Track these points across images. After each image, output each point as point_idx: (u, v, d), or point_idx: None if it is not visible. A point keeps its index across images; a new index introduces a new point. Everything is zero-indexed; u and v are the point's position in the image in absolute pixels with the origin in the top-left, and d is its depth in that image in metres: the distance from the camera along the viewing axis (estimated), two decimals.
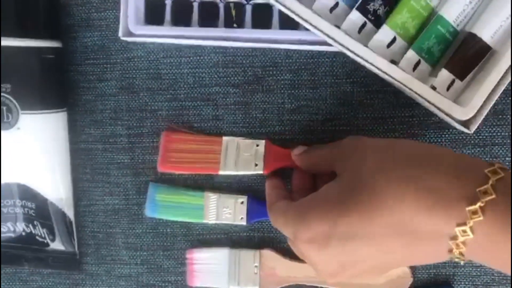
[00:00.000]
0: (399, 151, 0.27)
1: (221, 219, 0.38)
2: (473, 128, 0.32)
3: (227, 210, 0.38)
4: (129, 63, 0.38)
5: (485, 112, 0.32)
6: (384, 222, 0.25)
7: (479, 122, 0.32)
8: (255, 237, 0.39)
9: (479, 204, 0.23)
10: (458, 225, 0.23)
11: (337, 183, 0.28)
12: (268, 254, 0.38)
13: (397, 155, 0.27)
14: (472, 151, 0.36)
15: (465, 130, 0.33)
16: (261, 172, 0.37)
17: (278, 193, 0.33)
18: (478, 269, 0.37)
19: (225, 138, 0.37)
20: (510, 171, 0.24)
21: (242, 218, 0.38)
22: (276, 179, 0.35)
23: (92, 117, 0.39)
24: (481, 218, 0.23)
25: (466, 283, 0.37)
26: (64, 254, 0.39)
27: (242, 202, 0.38)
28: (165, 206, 0.38)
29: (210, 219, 0.38)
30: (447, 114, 0.32)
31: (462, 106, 0.32)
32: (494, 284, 0.37)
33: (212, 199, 0.38)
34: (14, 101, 0.36)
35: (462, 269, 0.37)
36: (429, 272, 0.37)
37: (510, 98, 0.35)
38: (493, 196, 0.23)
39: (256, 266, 0.37)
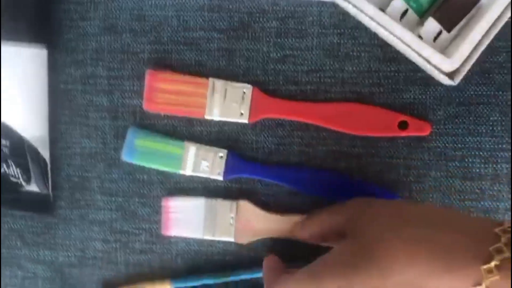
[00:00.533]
0: (408, 212, 0.28)
1: (198, 171, 0.37)
2: (458, 79, 0.32)
3: (205, 163, 0.37)
4: (113, 3, 0.37)
5: (470, 63, 0.32)
6: (397, 281, 0.25)
7: (464, 73, 0.32)
8: (233, 188, 0.38)
9: (494, 262, 0.23)
10: (474, 285, 0.23)
11: (349, 245, 0.28)
12: (245, 206, 0.37)
13: (407, 215, 0.27)
14: (457, 109, 0.36)
15: (450, 82, 0.32)
16: (246, 121, 0.37)
17: (277, 271, 0.33)
18: None
19: (211, 80, 0.36)
20: None
21: (219, 173, 0.37)
22: (273, 259, 0.35)
23: (72, 57, 0.38)
24: (497, 277, 0.23)
25: None
26: (37, 196, 0.39)
27: (221, 157, 0.37)
28: (143, 152, 0.37)
29: (187, 170, 0.37)
30: (432, 65, 0.32)
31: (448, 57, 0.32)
32: None
33: (191, 149, 0.37)
34: None
35: None
36: None
37: (498, 59, 0.35)
38: (507, 254, 0.23)
39: (232, 217, 0.37)
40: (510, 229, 0.24)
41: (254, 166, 0.37)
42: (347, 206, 0.31)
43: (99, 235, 0.39)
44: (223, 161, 0.37)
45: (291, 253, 0.36)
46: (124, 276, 0.39)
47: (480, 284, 0.23)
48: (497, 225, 0.25)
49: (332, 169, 0.37)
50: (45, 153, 0.38)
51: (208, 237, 0.37)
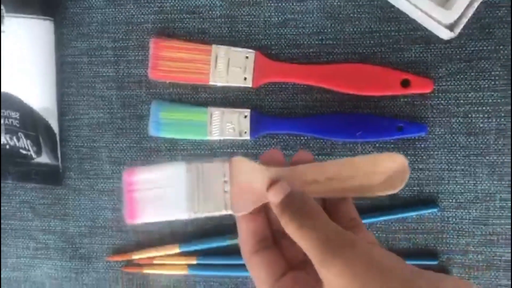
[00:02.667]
0: None
1: (225, 134, 0.37)
2: (457, 30, 0.32)
3: (231, 125, 0.37)
4: None
5: (468, 15, 0.32)
6: None
7: (463, 24, 0.32)
8: (248, 141, 0.38)
9: None
10: None
11: None
12: (240, 163, 0.27)
13: None
14: (458, 66, 0.36)
15: (450, 34, 0.33)
16: (250, 85, 0.37)
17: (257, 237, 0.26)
18: (462, 186, 0.37)
19: (214, 47, 0.37)
20: None
21: (245, 132, 0.37)
22: (253, 222, 0.26)
23: (79, 30, 0.39)
24: None
25: (450, 200, 0.37)
26: (47, 167, 0.39)
27: (245, 116, 0.38)
28: (169, 124, 0.38)
29: (214, 135, 0.37)
30: (431, 18, 0.32)
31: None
32: (478, 201, 0.37)
33: (215, 114, 0.37)
34: None
35: (446, 186, 0.37)
36: (413, 190, 0.37)
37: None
38: None
39: (225, 182, 0.27)
40: None
41: (280, 120, 0.37)
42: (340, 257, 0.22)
43: (108, 204, 0.40)
44: (248, 120, 0.38)
45: None
46: (134, 244, 0.39)
47: None
48: None
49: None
50: (54, 125, 0.39)
51: (195, 215, 0.27)
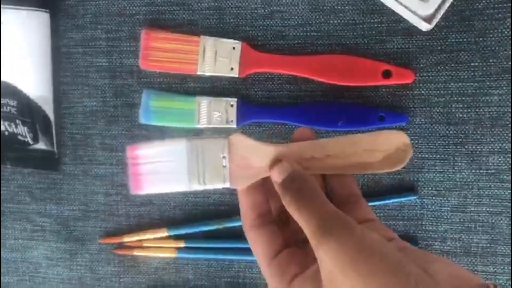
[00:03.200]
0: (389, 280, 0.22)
1: (213, 122, 0.39)
2: (434, 22, 0.33)
3: (218, 114, 0.39)
4: None
5: (445, 7, 0.33)
6: None
7: (440, 16, 0.33)
8: (234, 130, 0.39)
9: None
10: None
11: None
12: (239, 139, 0.28)
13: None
14: (439, 57, 0.37)
15: (427, 26, 0.34)
16: (236, 75, 0.38)
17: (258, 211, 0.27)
18: (442, 175, 0.38)
19: (202, 37, 0.38)
20: None
21: (232, 121, 0.39)
22: (252, 196, 0.28)
23: (73, 22, 0.41)
24: None
25: (430, 188, 0.38)
26: (44, 153, 0.41)
27: (232, 105, 0.39)
28: (159, 112, 0.39)
29: (202, 123, 0.39)
30: (409, 10, 0.33)
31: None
32: (456, 189, 0.38)
33: (203, 103, 0.39)
34: None
35: (426, 174, 0.38)
36: (393, 178, 0.38)
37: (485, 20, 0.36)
38: None
39: (224, 157, 0.28)
40: None
41: (265, 109, 0.39)
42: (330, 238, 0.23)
43: (101, 189, 0.41)
44: (234, 109, 0.39)
45: None
46: (125, 227, 0.41)
47: None
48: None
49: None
50: (50, 113, 0.41)
51: (196, 187, 0.28)
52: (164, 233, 0.40)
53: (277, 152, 0.28)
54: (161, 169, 0.28)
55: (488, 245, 0.38)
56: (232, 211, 0.40)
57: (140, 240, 0.40)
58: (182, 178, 0.28)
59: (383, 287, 0.21)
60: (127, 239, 0.40)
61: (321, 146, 0.28)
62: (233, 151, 0.29)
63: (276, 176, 0.26)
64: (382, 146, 0.29)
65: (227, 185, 0.29)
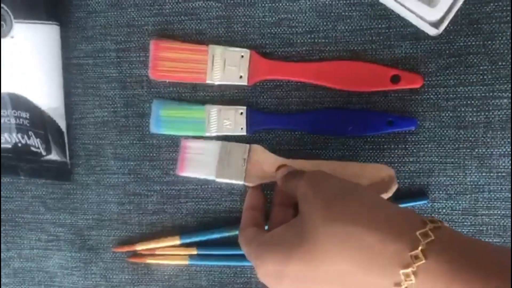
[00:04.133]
0: (348, 205, 0.28)
1: (222, 130, 0.39)
2: (442, 28, 0.33)
3: (228, 122, 0.39)
4: None
5: (453, 12, 0.33)
6: (327, 270, 0.26)
7: (448, 21, 0.33)
8: (245, 137, 0.40)
9: (411, 269, 0.24)
10: (395, 284, 0.24)
11: (293, 227, 0.30)
12: (257, 149, 0.38)
13: (344, 209, 0.27)
14: (447, 61, 0.37)
15: (435, 31, 0.34)
16: (245, 83, 0.39)
17: (253, 216, 0.35)
18: (452, 179, 0.38)
19: (211, 47, 0.39)
20: (443, 230, 0.25)
21: (242, 128, 0.39)
22: (255, 198, 0.36)
23: (83, 34, 0.41)
24: (413, 281, 0.24)
25: (440, 192, 0.38)
26: (56, 164, 0.42)
27: (241, 113, 0.39)
28: (169, 121, 0.40)
29: (212, 131, 0.39)
30: (417, 15, 0.33)
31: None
32: (467, 192, 0.38)
33: (212, 111, 0.39)
34: (7, 9, 0.38)
35: (436, 178, 0.38)
36: (404, 182, 0.38)
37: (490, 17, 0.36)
38: (423, 261, 0.24)
39: (244, 159, 0.38)
40: (431, 231, 0.24)
41: (274, 117, 0.39)
42: (307, 174, 0.32)
43: (114, 198, 0.42)
44: (244, 117, 0.39)
45: None
46: (138, 235, 0.42)
47: (400, 285, 0.24)
48: (421, 225, 0.25)
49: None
50: (62, 124, 0.41)
51: (220, 178, 0.38)
52: (176, 241, 0.40)
53: (283, 162, 0.38)
54: (199, 160, 0.39)
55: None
56: None
57: (153, 248, 0.41)
58: (212, 170, 0.39)
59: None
60: (140, 247, 0.41)
61: (317, 164, 0.37)
62: (252, 156, 0.39)
63: (280, 173, 0.36)
64: (369, 175, 0.36)
65: (241, 181, 0.38)
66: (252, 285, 0.41)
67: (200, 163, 0.39)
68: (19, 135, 0.41)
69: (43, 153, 0.41)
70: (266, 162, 0.38)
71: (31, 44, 0.39)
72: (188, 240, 0.40)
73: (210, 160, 0.39)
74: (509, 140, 0.37)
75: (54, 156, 0.42)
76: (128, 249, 0.42)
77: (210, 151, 0.39)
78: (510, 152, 0.37)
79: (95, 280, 0.43)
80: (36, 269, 0.44)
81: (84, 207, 0.42)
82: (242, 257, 0.40)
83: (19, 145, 0.41)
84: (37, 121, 0.41)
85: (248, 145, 0.39)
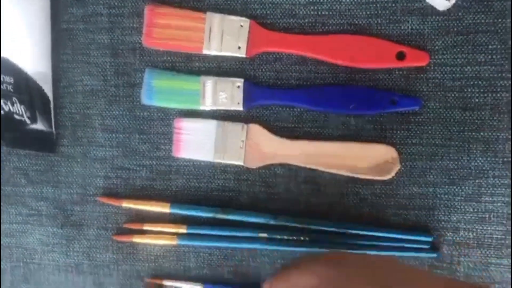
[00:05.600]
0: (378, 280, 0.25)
1: (218, 104, 0.37)
2: (453, 0, 0.32)
3: (224, 95, 0.37)
4: None
5: None
6: None
7: None
8: (241, 112, 0.38)
9: None
10: None
11: None
12: (255, 129, 0.37)
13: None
14: (455, 39, 0.35)
15: (446, 3, 0.32)
16: (244, 55, 0.37)
17: None
18: (456, 163, 0.36)
19: (209, 14, 0.37)
20: None
21: (238, 103, 0.37)
22: None
23: None
24: None
25: (443, 176, 0.36)
26: (41, 134, 0.40)
27: (238, 86, 0.37)
28: (162, 92, 0.38)
29: (207, 104, 0.37)
30: None
31: None
32: (471, 178, 0.36)
33: (208, 83, 0.37)
34: None
35: (439, 162, 0.36)
36: (405, 165, 0.37)
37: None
38: None
39: (242, 141, 0.37)
40: None
41: (273, 91, 0.37)
42: (319, 263, 0.28)
43: (100, 172, 0.40)
44: (241, 90, 0.37)
45: None
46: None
47: None
48: None
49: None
50: (48, 91, 0.39)
51: (218, 160, 0.37)
52: (166, 209, 0.38)
53: (283, 144, 0.37)
54: (196, 140, 0.38)
55: (503, 236, 0.36)
56: (236, 198, 0.38)
57: (140, 223, 0.39)
58: (210, 150, 0.37)
59: None
60: (126, 204, 0.39)
61: (320, 145, 0.37)
62: (250, 137, 0.37)
63: None
64: (372, 156, 0.36)
65: (241, 163, 0.37)
66: (242, 268, 0.39)
67: (197, 145, 0.37)
68: (2, 101, 0.39)
69: (28, 121, 0.39)
70: (266, 143, 0.37)
71: (19, 5, 0.37)
72: (178, 211, 0.38)
73: (207, 141, 0.37)
74: None
75: (39, 125, 0.39)
76: (113, 202, 0.39)
77: (205, 131, 0.37)
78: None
79: (77, 258, 0.41)
80: (15, 245, 0.41)
81: (69, 181, 0.40)
82: (233, 238, 0.39)
83: (2, 112, 0.39)
84: (22, 86, 0.38)
85: (245, 125, 0.37)
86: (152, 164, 0.39)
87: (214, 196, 0.39)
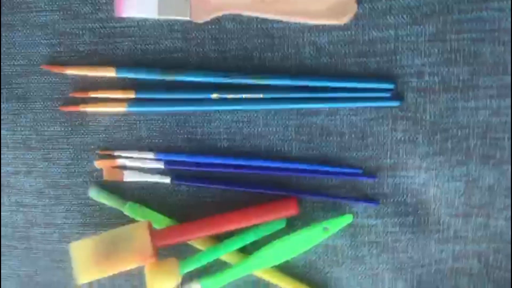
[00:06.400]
0: None
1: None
2: None
3: None
4: None
5: None
6: None
7: None
8: None
9: None
10: None
11: None
12: None
13: None
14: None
15: None
16: None
17: None
18: (417, 1, 0.33)
19: None
20: None
21: None
22: None
23: None
24: None
25: (404, 16, 0.33)
26: None
27: None
28: None
29: None
30: None
31: None
32: (435, 15, 0.33)
33: None
34: None
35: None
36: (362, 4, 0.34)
37: None
38: None
39: None
40: None
41: None
42: None
43: (42, 39, 0.37)
44: None
45: None
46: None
47: None
48: None
49: None
50: None
51: (163, 16, 0.35)
52: (112, 73, 0.36)
53: None
54: None
55: (469, 77, 0.34)
56: (185, 58, 0.36)
57: (86, 91, 0.36)
58: (153, 7, 0.35)
59: None
60: (70, 71, 0.36)
61: None
62: None
63: None
64: None
65: (187, 17, 0.35)
66: (197, 135, 0.37)
67: (140, 2, 0.35)
68: None
69: None
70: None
71: None
72: (124, 74, 0.36)
73: None
74: None
75: None
76: (57, 70, 0.37)
77: None
78: None
79: (24, 133, 0.39)
80: None
81: (10, 52, 0.38)
82: (184, 101, 0.36)
83: None
84: None
85: None
86: (95, 27, 0.36)
87: (162, 58, 0.36)
